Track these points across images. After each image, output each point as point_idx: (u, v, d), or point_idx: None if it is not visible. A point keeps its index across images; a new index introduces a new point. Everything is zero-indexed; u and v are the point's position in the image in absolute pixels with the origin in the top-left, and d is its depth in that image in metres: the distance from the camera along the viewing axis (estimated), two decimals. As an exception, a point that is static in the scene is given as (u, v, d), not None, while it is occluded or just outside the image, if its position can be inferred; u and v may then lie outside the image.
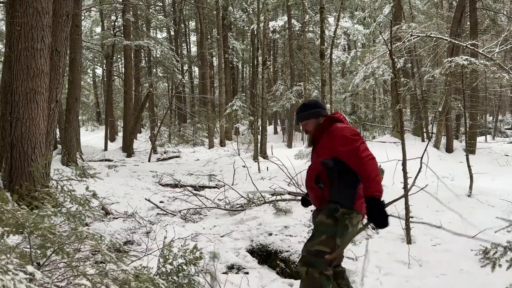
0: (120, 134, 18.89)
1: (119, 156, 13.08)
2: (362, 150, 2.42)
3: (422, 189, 4.02)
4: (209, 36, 23.06)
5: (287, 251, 4.05)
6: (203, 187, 7.91)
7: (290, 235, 4.35)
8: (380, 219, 2.34)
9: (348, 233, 2.51)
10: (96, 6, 18.32)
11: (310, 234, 2.62)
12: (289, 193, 6.03)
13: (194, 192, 7.25)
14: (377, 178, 2.38)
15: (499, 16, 15.75)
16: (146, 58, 22.45)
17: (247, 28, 24.30)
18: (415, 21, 14.70)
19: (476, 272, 3.46)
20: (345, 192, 2.49)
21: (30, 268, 1.62)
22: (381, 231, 4.63)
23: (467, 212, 5.49)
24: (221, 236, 4.60)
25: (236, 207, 6.03)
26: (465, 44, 7.54)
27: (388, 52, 4.94)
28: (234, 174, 8.47)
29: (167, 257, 2.58)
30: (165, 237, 4.31)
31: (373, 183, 2.37)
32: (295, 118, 2.81)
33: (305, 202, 3.01)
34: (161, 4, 22.00)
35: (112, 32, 16.66)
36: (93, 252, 3.70)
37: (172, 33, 23.05)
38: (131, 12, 15.88)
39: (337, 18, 13.17)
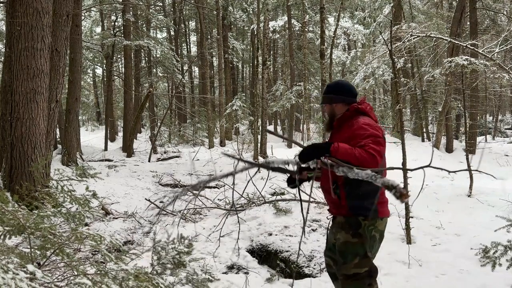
0: (120, 134, 18.88)
1: (119, 156, 13.06)
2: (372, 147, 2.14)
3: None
4: (209, 36, 23.04)
5: (287, 251, 4.06)
6: (203, 187, 7.90)
7: (290, 235, 4.35)
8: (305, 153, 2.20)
9: (377, 242, 2.37)
10: (96, 6, 18.31)
11: (338, 255, 2.38)
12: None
13: (194, 192, 7.23)
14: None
15: (499, 16, 15.75)
16: (146, 58, 22.43)
17: (247, 28, 24.27)
18: (415, 21, 14.68)
19: (476, 272, 3.46)
20: (365, 203, 2.28)
21: (30, 268, 1.62)
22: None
23: (467, 212, 5.49)
24: (221, 236, 4.60)
25: (236, 207, 6.03)
26: (465, 44, 7.54)
27: (388, 52, 4.94)
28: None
29: (160, 252, 2.55)
30: (158, 238, 4.32)
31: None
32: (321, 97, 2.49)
33: (290, 182, 2.58)
34: (161, 4, 21.98)
35: (112, 32, 16.64)
36: (93, 252, 3.70)
37: (172, 33, 23.03)
38: (131, 12, 15.86)
39: (337, 18, 13.16)
